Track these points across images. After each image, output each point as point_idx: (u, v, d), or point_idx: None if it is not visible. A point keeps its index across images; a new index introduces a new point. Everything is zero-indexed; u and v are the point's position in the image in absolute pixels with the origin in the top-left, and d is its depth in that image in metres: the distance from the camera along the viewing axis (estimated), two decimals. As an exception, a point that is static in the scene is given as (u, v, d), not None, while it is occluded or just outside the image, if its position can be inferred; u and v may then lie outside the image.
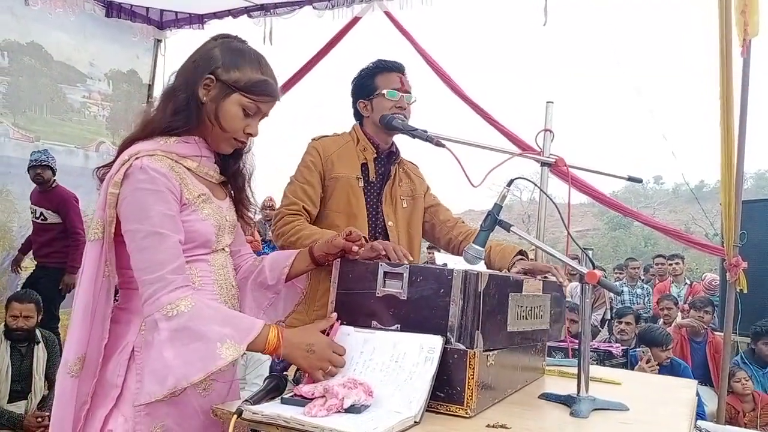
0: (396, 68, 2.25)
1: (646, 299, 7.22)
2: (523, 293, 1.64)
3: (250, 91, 1.46)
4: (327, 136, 2.26)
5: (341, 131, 2.29)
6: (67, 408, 1.40)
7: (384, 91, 2.19)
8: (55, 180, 4.95)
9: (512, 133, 4.37)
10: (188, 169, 1.47)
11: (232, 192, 1.64)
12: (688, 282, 7.30)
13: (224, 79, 1.44)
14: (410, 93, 2.24)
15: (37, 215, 4.96)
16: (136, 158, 1.38)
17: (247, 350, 1.34)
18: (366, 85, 2.24)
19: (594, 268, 1.58)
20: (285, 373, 2.07)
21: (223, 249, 1.56)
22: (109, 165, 1.46)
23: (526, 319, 1.67)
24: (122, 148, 1.46)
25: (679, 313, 5.72)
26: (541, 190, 2.03)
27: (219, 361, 1.28)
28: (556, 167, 2.37)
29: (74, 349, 1.40)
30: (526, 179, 1.87)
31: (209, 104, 1.45)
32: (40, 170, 4.85)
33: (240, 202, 1.64)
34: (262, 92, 1.47)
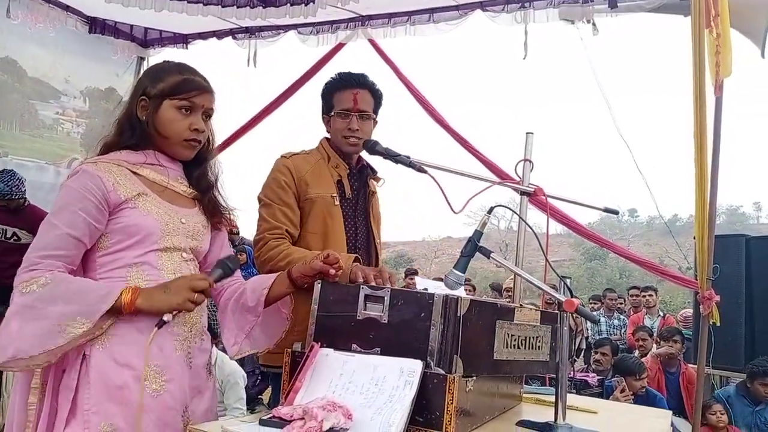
0: (352, 84, 2.18)
1: (623, 330, 7.28)
2: (515, 322, 1.64)
3: (175, 92, 1.58)
4: (297, 153, 2.21)
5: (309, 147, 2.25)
6: (23, 394, 1.50)
7: (334, 112, 2.18)
8: (26, 199, 4.74)
9: (492, 162, 4.42)
10: (136, 173, 1.56)
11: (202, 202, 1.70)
12: (662, 314, 7.39)
13: (153, 93, 1.59)
14: (366, 110, 2.17)
15: (8, 235, 4.71)
16: (81, 164, 1.53)
17: (104, 316, 1.43)
18: (326, 101, 2.23)
19: (572, 297, 1.60)
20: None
21: (177, 250, 1.59)
22: None
23: (519, 348, 1.66)
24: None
25: (654, 345, 5.77)
26: (520, 217, 2.05)
27: (59, 339, 1.39)
28: (535, 197, 2.40)
29: None
30: (506, 207, 1.89)
31: (149, 120, 1.58)
32: (5, 203, 4.63)
33: (206, 206, 1.69)
34: (187, 89, 1.59)
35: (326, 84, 2.25)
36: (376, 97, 2.23)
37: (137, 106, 1.61)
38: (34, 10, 4.69)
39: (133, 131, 1.59)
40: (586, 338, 7.21)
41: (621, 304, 7.91)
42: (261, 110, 5.18)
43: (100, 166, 1.53)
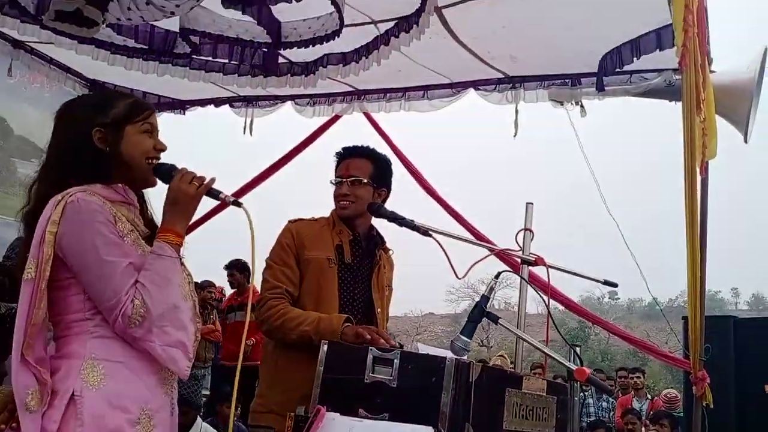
0: (345, 155, 2.29)
1: (611, 413, 7.14)
2: (523, 390, 1.60)
3: (133, 116, 1.55)
4: (304, 219, 2.29)
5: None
6: None
7: (330, 180, 2.28)
8: None
9: (484, 236, 4.44)
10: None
11: None
12: (650, 397, 7.29)
13: (109, 121, 1.52)
14: (357, 176, 2.22)
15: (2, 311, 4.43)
16: (70, 195, 1.42)
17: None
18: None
19: (582, 365, 1.57)
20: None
21: None
22: (31, 207, 1.49)
23: (527, 419, 1.61)
24: (43, 194, 1.47)
25: (643, 428, 5.65)
26: (525, 280, 2.04)
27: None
28: (536, 266, 2.39)
29: (21, 388, 1.35)
30: (512, 272, 1.88)
31: (112, 151, 1.51)
32: None
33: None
34: (142, 110, 1.56)
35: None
36: (378, 165, 2.29)
37: (92, 138, 1.50)
38: (35, 69, 4.71)
39: (96, 165, 1.49)
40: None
41: (609, 385, 7.78)
42: (254, 178, 5.20)
43: (95, 197, 1.44)
